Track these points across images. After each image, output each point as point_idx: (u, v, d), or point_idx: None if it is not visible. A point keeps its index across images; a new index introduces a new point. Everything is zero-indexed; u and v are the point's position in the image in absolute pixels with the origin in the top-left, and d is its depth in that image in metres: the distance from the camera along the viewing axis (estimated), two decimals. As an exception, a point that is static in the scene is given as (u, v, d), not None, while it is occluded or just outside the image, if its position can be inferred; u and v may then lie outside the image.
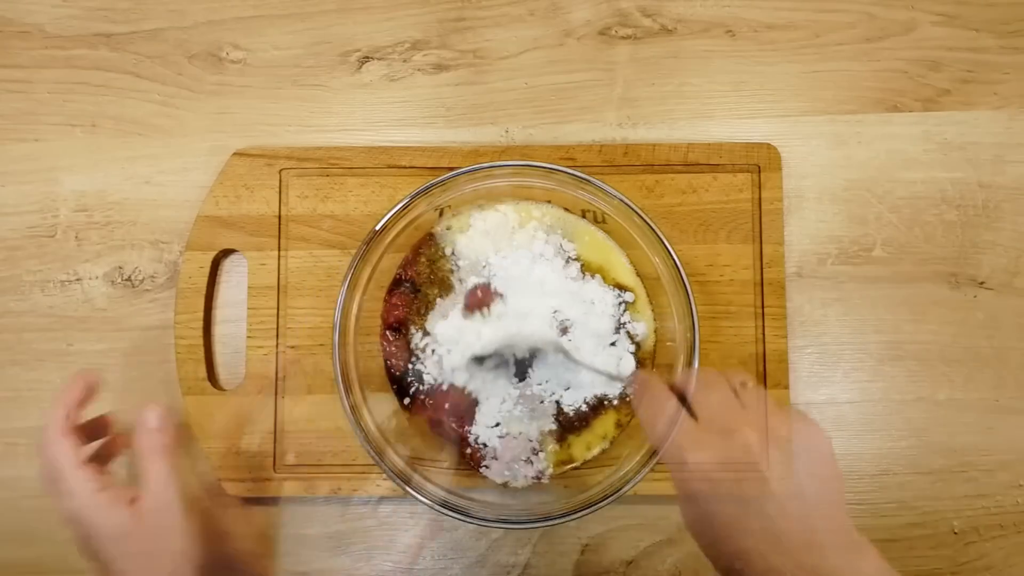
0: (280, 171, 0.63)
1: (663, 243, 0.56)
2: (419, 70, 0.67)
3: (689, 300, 0.55)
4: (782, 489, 0.40)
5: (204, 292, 0.62)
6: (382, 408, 0.58)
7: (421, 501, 0.54)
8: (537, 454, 0.58)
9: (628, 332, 0.59)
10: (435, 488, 0.55)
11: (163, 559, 0.45)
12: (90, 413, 0.50)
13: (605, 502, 0.53)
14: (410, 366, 0.59)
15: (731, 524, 0.41)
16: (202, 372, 0.61)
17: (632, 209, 0.56)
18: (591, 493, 0.55)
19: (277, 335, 0.62)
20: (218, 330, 0.64)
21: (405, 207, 0.57)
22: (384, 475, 0.54)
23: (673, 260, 0.55)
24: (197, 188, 0.64)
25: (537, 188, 0.60)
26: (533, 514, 0.54)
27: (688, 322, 0.55)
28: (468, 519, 0.54)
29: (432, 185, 0.57)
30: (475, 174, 0.58)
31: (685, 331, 0.56)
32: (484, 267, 0.59)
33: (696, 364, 0.54)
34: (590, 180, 0.57)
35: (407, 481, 0.54)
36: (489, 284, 0.58)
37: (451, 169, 0.63)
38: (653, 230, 0.56)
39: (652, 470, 0.58)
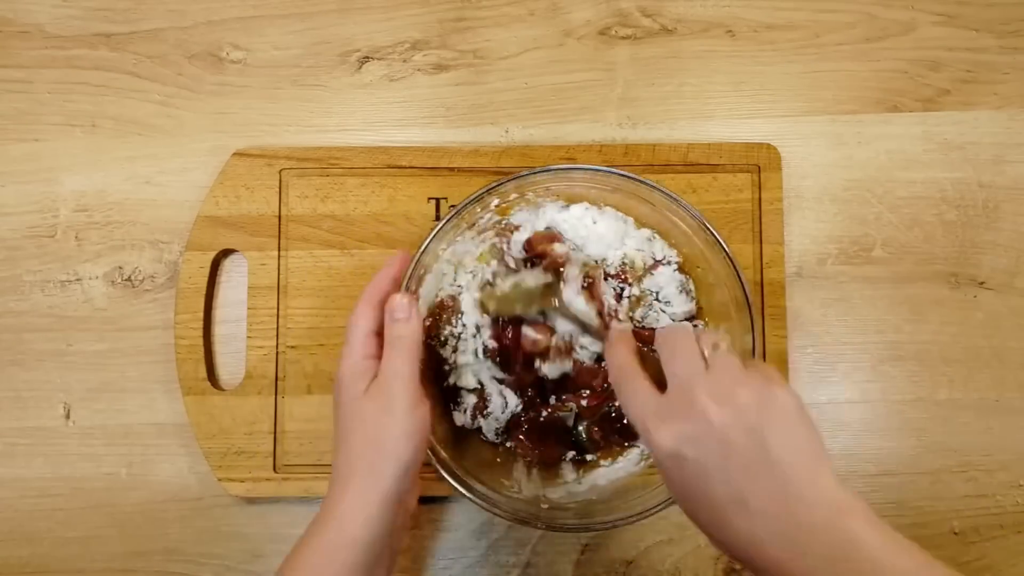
0: (280, 171, 0.63)
1: (722, 247, 0.55)
2: (419, 70, 0.67)
3: (749, 311, 0.53)
4: (747, 455, 0.38)
5: (204, 292, 0.62)
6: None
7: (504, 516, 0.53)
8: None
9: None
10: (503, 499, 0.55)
11: (377, 441, 0.47)
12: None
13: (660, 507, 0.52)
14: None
15: (701, 495, 0.40)
16: (202, 372, 0.61)
17: (706, 225, 0.55)
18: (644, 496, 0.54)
19: (277, 335, 0.62)
20: (218, 330, 0.64)
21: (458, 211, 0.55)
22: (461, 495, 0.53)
23: (732, 263, 0.54)
24: (197, 188, 0.64)
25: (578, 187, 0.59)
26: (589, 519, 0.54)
27: (747, 323, 0.54)
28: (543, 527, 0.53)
29: (492, 187, 0.55)
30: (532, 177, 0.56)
31: (743, 332, 0.54)
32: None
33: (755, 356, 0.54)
34: (661, 189, 0.55)
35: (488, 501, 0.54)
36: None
37: (451, 169, 0.63)
38: (715, 237, 0.55)
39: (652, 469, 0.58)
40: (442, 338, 0.58)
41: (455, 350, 0.58)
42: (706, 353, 0.42)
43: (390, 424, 0.47)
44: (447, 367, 0.59)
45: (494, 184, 0.54)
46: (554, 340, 0.55)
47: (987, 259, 0.64)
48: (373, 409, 0.47)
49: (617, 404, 0.58)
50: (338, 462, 0.48)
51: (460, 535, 0.62)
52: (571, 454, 0.59)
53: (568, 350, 0.56)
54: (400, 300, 0.50)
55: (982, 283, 0.64)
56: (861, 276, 0.64)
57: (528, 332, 0.55)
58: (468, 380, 0.58)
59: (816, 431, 0.40)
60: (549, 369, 0.56)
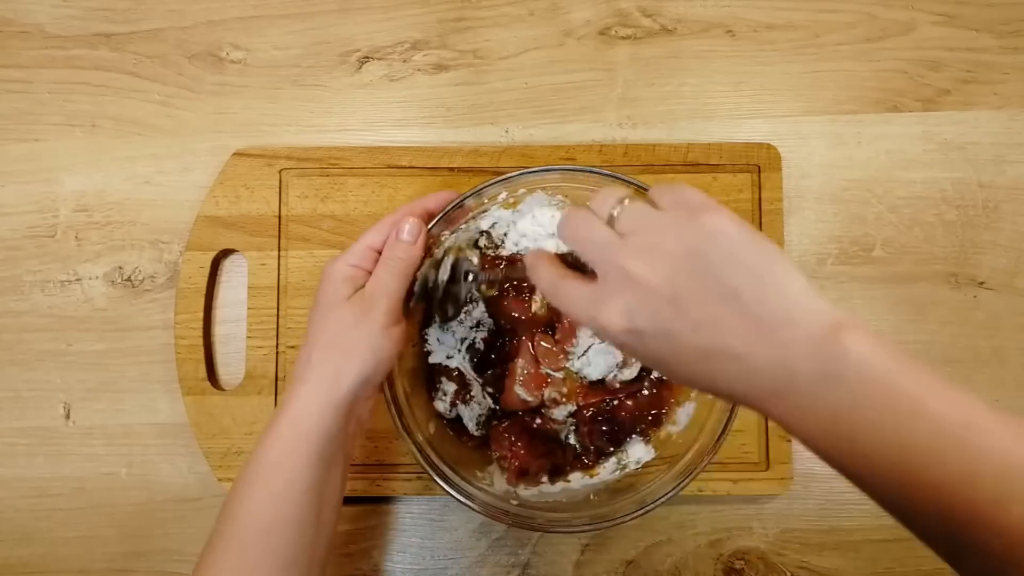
0: (280, 171, 0.63)
1: None
2: (419, 70, 0.67)
3: None
4: (702, 301, 0.34)
5: (204, 292, 0.62)
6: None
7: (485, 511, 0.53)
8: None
9: None
10: (489, 496, 0.55)
11: (344, 347, 0.48)
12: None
13: (664, 498, 0.52)
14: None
15: (673, 359, 0.36)
16: (202, 372, 0.61)
17: None
18: (644, 493, 0.54)
19: (277, 335, 0.62)
20: (218, 330, 0.64)
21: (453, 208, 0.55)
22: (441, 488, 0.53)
23: None
24: (197, 188, 0.64)
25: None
26: (585, 517, 0.54)
27: None
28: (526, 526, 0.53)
29: (482, 188, 0.55)
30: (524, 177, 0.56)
31: None
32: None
33: None
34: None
35: (470, 497, 0.53)
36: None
37: (451, 169, 0.63)
38: None
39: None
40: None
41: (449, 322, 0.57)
42: (615, 215, 0.38)
43: (362, 334, 0.47)
44: (426, 343, 0.58)
45: (488, 183, 0.54)
46: (547, 394, 0.56)
47: (987, 259, 0.64)
48: (349, 315, 0.48)
49: (615, 402, 0.58)
50: (300, 357, 0.49)
51: (460, 535, 0.62)
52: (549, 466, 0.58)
53: (571, 395, 0.56)
54: (412, 223, 0.51)
55: (982, 283, 0.64)
56: (861, 276, 0.64)
57: (519, 392, 0.56)
58: (440, 357, 0.58)
59: (766, 242, 0.35)
60: (557, 413, 0.57)
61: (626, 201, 0.38)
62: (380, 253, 0.51)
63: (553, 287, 0.41)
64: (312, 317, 0.50)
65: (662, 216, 0.37)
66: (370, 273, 0.50)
